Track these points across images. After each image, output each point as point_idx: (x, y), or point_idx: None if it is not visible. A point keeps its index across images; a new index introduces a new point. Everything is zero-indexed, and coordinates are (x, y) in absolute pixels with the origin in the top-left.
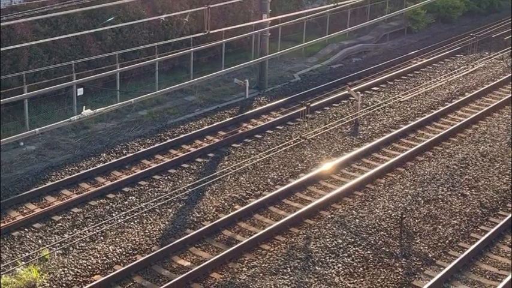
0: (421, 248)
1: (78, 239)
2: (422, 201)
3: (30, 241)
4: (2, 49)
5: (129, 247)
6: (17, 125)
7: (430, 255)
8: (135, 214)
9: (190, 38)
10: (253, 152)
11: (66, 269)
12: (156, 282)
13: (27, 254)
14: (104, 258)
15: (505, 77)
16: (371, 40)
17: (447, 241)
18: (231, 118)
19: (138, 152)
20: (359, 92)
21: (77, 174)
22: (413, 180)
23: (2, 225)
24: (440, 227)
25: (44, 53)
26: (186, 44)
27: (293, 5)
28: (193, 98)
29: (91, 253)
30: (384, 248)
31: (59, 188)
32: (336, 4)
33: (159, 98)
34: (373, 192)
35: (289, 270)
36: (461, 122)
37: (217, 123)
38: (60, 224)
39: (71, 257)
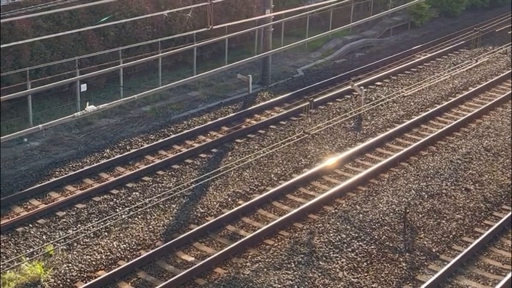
0: (425, 242)
1: (82, 234)
2: (426, 196)
3: (35, 237)
4: (3, 45)
5: (133, 242)
6: (20, 121)
7: (434, 250)
8: (139, 210)
9: (194, 33)
10: (256, 147)
11: (70, 265)
12: (160, 278)
13: (31, 249)
14: (108, 253)
15: (508, 71)
16: (374, 35)
17: (451, 236)
18: (234, 113)
19: (142, 147)
20: (362, 87)
21: (80, 170)
22: (417, 175)
23: (6, 221)
24: (444, 221)
25: (47, 48)
26: (189, 40)
27: (296, 0)
28: (196, 94)
29: (95, 249)
30: (387, 243)
31: (62, 183)
32: None
33: (163, 94)
34: (376, 187)
35: (293, 265)
36: (465, 117)
37: (221, 118)
38: (64, 220)
39: (75, 252)
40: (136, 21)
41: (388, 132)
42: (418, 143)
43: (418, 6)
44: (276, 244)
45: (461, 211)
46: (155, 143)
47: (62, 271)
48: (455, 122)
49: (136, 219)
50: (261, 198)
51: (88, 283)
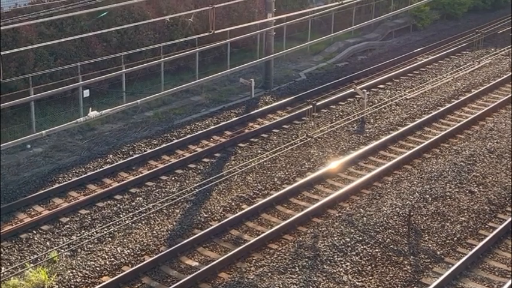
0: (429, 245)
1: (86, 240)
2: (430, 199)
3: (39, 243)
4: (7, 52)
5: (137, 248)
6: (23, 128)
7: (438, 253)
8: (143, 215)
9: (196, 38)
10: (259, 151)
11: (74, 271)
12: (164, 283)
13: (35, 256)
14: (112, 259)
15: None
16: (376, 38)
17: (455, 238)
18: (237, 118)
19: (145, 152)
20: (365, 90)
21: (84, 175)
22: (421, 178)
23: (10, 227)
24: (448, 224)
25: (50, 55)
26: (191, 45)
27: (298, 3)
28: (199, 98)
29: (99, 254)
30: (392, 246)
31: (66, 189)
32: (340, 2)
33: (165, 99)
34: (380, 190)
35: (297, 269)
36: (468, 119)
37: (224, 123)
38: (68, 226)
39: (79, 258)
40: (139, 26)
41: (391, 135)
42: (422, 145)
43: (419, 9)
44: (280, 248)
45: (466, 213)
46: (158, 148)
47: (66, 277)
48: (458, 124)
49: (140, 224)
50: (265, 202)
51: None
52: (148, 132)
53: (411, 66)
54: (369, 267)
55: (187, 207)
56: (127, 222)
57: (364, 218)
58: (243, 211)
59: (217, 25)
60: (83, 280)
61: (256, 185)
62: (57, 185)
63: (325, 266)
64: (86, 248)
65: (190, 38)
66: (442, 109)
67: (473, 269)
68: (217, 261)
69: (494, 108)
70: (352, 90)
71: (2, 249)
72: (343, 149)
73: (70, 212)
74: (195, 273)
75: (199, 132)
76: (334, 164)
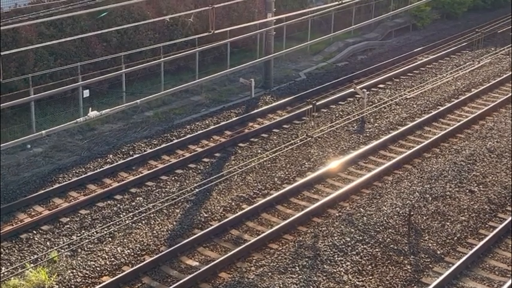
0: (430, 245)
1: (86, 240)
2: (430, 198)
3: (39, 243)
4: (7, 52)
5: (137, 248)
6: (23, 128)
7: (438, 252)
8: (143, 215)
9: (195, 38)
10: (259, 151)
11: (74, 271)
12: (164, 283)
13: (35, 256)
14: (112, 259)
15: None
16: (376, 37)
17: (455, 238)
18: (237, 117)
19: (145, 152)
20: (365, 90)
21: (84, 175)
22: (421, 177)
23: (10, 227)
24: (448, 223)
25: (50, 55)
26: (191, 44)
27: (298, 3)
28: (199, 98)
29: (99, 254)
30: (392, 246)
31: (66, 189)
32: (340, 2)
33: (165, 99)
34: (380, 190)
35: (297, 269)
36: (468, 118)
37: (224, 122)
38: (68, 226)
39: (79, 258)
40: (139, 26)
41: (391, 135)
42: (422, 145)
43: (419, 9)
44: (280, 248)
45: (466, 213)
46: (158, 148)
47: (67, 277)
48: (458, 124)
49: (140, 224)
50: (265, 202)
51: None
52: (148, 132)
53: (411, 65)
54: (369, 266)
55: (187, 207)
56: (127, 222)
57: (364, 218)
58: (243, 211)
59: (217, 25)
60: (83, 280)
61: (256, 184)
62: (57, 185)
63: (325, 266)
64: (86, 248)
65: (190, 38)
66: (442, 108)
67: (474, 269)
68: (217, 261)
69: (494, 108)
70: (352, 90)
71: (2, 250)
72: (343, 149)
73: (70, 212)
74: (195, 273)
75: (199, 132)
76: (334, 164)
